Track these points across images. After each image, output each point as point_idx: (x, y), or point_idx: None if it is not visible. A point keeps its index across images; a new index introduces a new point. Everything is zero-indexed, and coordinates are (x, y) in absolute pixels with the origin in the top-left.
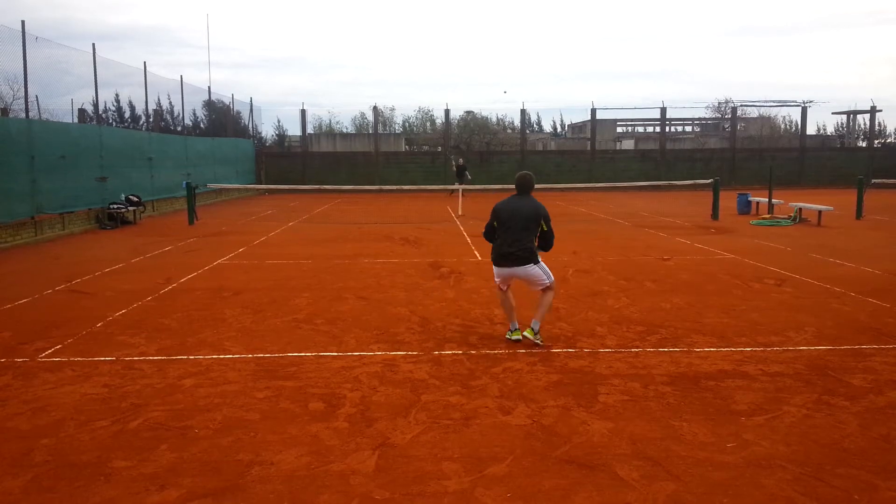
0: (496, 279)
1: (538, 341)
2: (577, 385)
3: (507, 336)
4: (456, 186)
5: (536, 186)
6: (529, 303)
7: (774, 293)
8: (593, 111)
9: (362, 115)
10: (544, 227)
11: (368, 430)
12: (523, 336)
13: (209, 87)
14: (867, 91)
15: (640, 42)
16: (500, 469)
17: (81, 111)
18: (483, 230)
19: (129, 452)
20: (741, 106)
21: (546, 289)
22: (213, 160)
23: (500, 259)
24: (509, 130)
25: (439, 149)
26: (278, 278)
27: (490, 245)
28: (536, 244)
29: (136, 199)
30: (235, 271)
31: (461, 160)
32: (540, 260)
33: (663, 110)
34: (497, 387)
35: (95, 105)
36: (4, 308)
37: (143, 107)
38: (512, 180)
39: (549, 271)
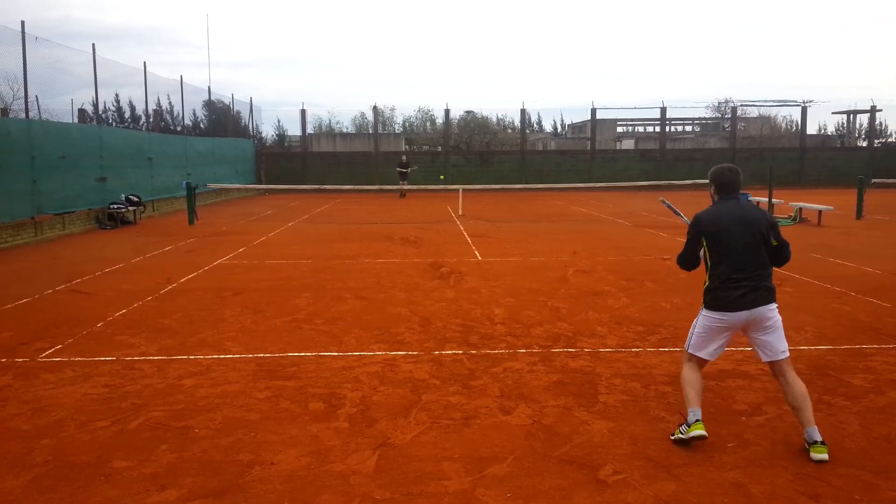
0: (702, 338)
1: (823, 456)
2: (578, 385)
3: (680, 433)
4: (401, 186)
5: (537, 186)
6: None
7: None
8: (593, 111)
9: (362, 114)
10: (775, 240)
11: (369, 430)
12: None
13: (209, 87)
14: (867, 91)
15: (640, 42)
16: (501, 469)
17: (81, 111)
18: (678, 258)
19: (130, 452)
20: (741, 106)
21: (787, 362)
22: (213, 160)
23: (736, 294)
24: (509, 130)
25: (439, 149)
26: (278, 278)
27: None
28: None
29: (136, 199)
30: (236, 271)
31: (404, 158)
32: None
33: (663, 110)
34: (497, 387)
35: (95, 105)
36: (5, 308)
37: (143, 107)
38: (512, 180)
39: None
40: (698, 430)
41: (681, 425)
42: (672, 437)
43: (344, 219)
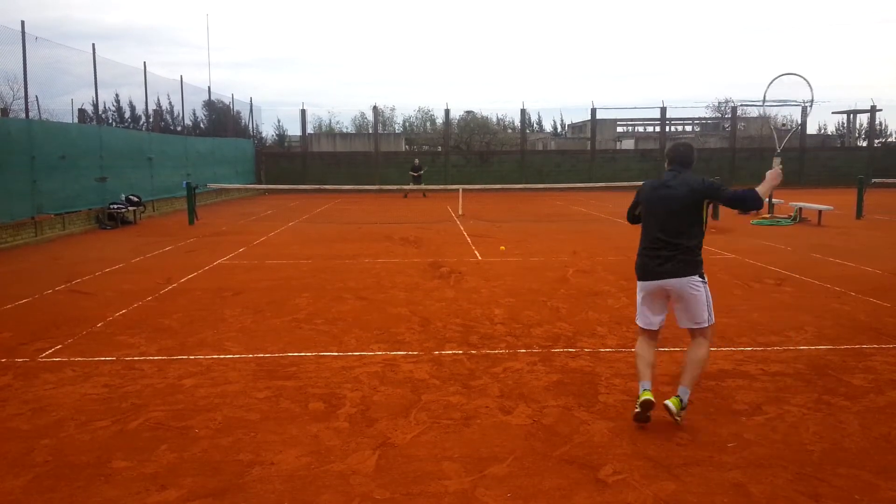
0: (639, 306)
1: (679, 418)
2: (578, 385)
3: (637, 410)
4: (413, 187)
5: (537, 186)
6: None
7: (775, 293)
8: (593, 111)
9: (362, 114)
10: (720, 198)
11: (369, 430)
12: (663, 404)
13: (209, 87)
14: (868, 91)
15: (640, 42)
16: (501, 469)
17: (81, 111)
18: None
19: (130, 452)
20: (741, 105)
21: (702, 333)
22: (213, 160)
23: (650, 264)
24: (509, 130)
25: (439, 148)
26: (278, 278)
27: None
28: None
29: (136, 199)
30: (235, 271)
31: (416, 161)
32: (706, 278)
33: (663, 110)
34: (497, 387)
35: (95, 105)
36: (5, 308)
37: (143, 107)
38: (512, 180)
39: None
40: (645, 396)
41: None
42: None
43: (344, 219)
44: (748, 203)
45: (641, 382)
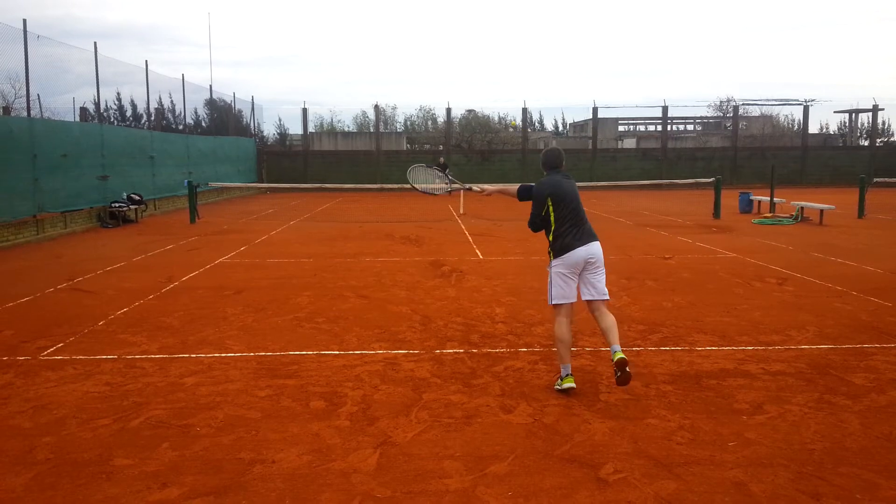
0: (561, 285)
1: (621, 356)
2: (579, 384)
3: (558, 385)
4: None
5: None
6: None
7: (776, 292)
8: (595, 110)
9: (364, 113)
10: None
11: (370, 429)
12: (620, 359)
13: (210, 86)
14: (870, 90)
15: (642, 40)
16: (502, 468)
17: (83, 110)
18: (530, 224)
19: (131, 450)
20: (743, 104)
21: (606, 303)
22: (214, 159)
23: (576, 241)
24: (511, 129)
25: (441, 147)
26: (280, 277)
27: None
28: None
29: (137, 197)
30: (237, 270)
31: (441, 159)
32: None
33: (665, 109)
34: (498, 385)
35: (97, 103)
36: (6, 306)
37: (145, 105)
38: (513, 179)
39: None
40: (569, 384)
41: (557, 380)
42: (555, 388)
43: (345, 217)
44: None
45: (565, 367)
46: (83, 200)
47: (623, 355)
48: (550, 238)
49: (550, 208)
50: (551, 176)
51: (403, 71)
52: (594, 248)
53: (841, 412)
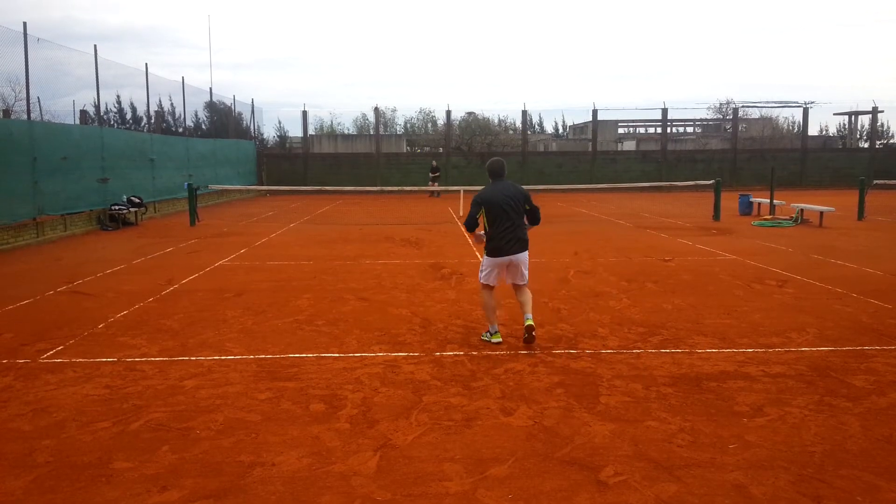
0: (488, 273)
1: (531, 322)
2: (579, 386)
3: (486, 338)
4: (433, 188)
5: (538, 187)
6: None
7: (776, 294)
8: (595, 112)
9: (364, 115)
10: (528, 206)
11: (370, 431)
12: (530, 325)
13: (210, 89)
14: (869, 92)
15: (642, 43)
16: (502, 470)
17: (83, 112)
18: (465, 223)
19: (131, 453)
20: (743, 107)
21: (526, 286)
22: (214, 161)
23: (505, 246)
24: (511, 131)
25: (441, 150)
26: (280, 279)
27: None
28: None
29: (137, 200)
30: (237, 272)
31: (434, 163)
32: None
33: (665, 111)
34: (498, 388)
35: (97, 106)
36: (6, 309)
37: (145, 108)
38: (513, 180)
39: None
40: (498, 339)
41: (484, 333)
42: (482, 338)
43: (345, 220)
44: (538, 218)
45: (493, 325)
46: (83, 203)
47: (532, 322)
48: (488, 238)
49: (483, 213)
50: (494, 184)
51: (403, 73)
52: (521, 257)
53: (841, 414)
